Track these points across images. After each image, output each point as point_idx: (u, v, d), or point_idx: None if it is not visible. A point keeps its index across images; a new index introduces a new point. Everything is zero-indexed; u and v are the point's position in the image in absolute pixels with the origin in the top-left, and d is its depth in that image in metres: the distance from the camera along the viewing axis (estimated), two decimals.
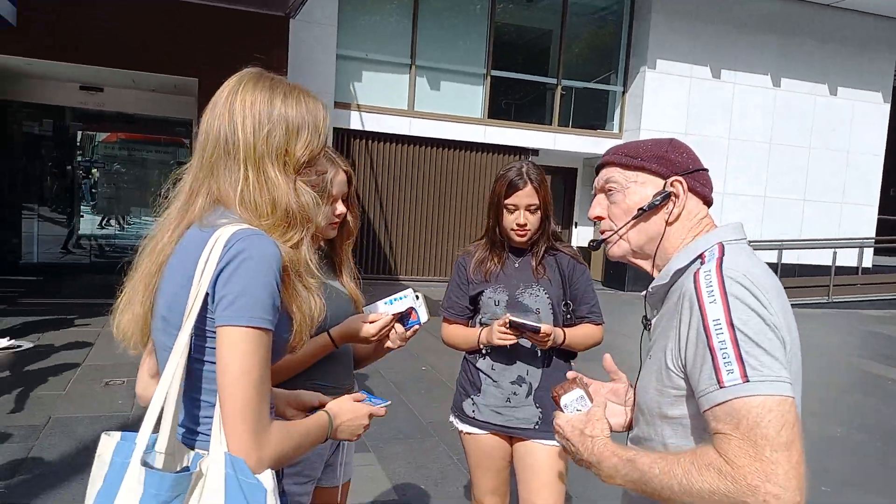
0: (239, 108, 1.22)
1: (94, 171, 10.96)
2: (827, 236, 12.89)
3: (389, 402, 1.53)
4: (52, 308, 7.52)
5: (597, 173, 1.43)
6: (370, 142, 10.91)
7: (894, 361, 8.18)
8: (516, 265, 2.36)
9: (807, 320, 10.38)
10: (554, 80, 12.15)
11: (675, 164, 1.32)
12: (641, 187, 1.33)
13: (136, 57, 7.80)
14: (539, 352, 2.29)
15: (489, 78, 11.57)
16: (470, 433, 2.39)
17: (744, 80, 12.39)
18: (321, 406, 1.44)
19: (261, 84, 1.25)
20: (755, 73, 12.43)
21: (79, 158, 10.61)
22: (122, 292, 1.30)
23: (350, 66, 10.66)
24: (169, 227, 1.27)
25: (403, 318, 1.79)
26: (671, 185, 1.31)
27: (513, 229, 2.28)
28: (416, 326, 1.80)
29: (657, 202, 1.30)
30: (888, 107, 13.37)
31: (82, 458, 3.84)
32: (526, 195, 2.24)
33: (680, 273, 1.27)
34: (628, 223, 1.34)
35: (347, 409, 1.39)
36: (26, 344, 6.06)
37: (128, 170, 10.99)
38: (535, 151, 11.81)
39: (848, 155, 13.17)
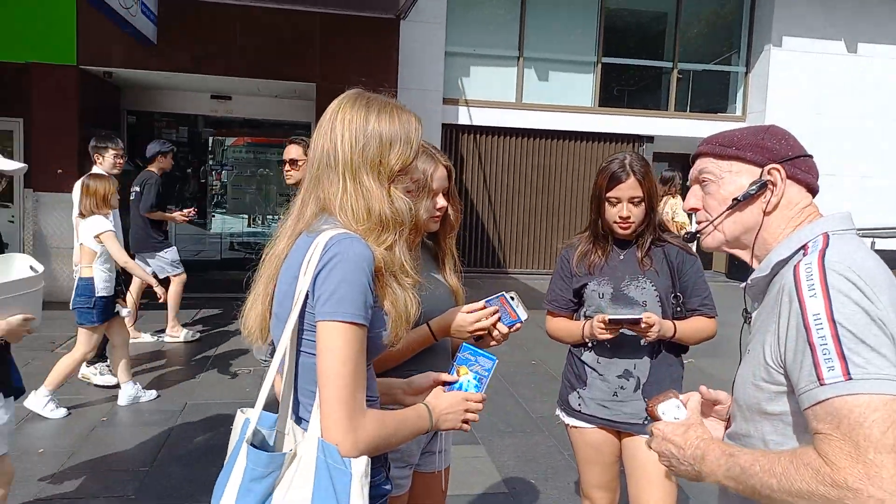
0: (339, 126, 1.36)
1: (222, 173, 11.76)
2: None
3: (496, 360, 1.56)
4: (187, 302, 8.19)
5: (691, 164, 1.40)
6: (478, 136, 10.97)
7: None
8: (621, 257, 2.33)
9: None
10: (670, 64, 11.65)
11: (772, 151, 1.27)
12: (737, 177, 1.30)
13: (261, 66, 8.31)
14: (646, 345, 2.25)
15: (600, 65, 11.28)
16: (576, 427, 2.39)
17: (885, 52, 11.28)
18: (435, 384, 1.55)
19: (357, 103, 1.38)
20: None
21: (210, 162, 11.44)
22: (248, 296, 1.47)
23: (458, 61, 10.77)
24: (284, 235, 1.43)
25: (504, 317, 1.80)
26: (768, 173, 1.26)
27: (615, 222, 2.26)
28: (518, 325, 1.81)
29: (752, 192, 1.27)
30: None
31: (215, 440, 4.19)
32: (628, 187, 2.21)
33: (781, 265, 1.23)
34: (723, 214, 1.31)
35: (443, 399, 1.47)
36: (163, 337, 6.55)
37: (253, 171, 11.72)
38: (650, 138, 11.40)
39: None
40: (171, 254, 6.61)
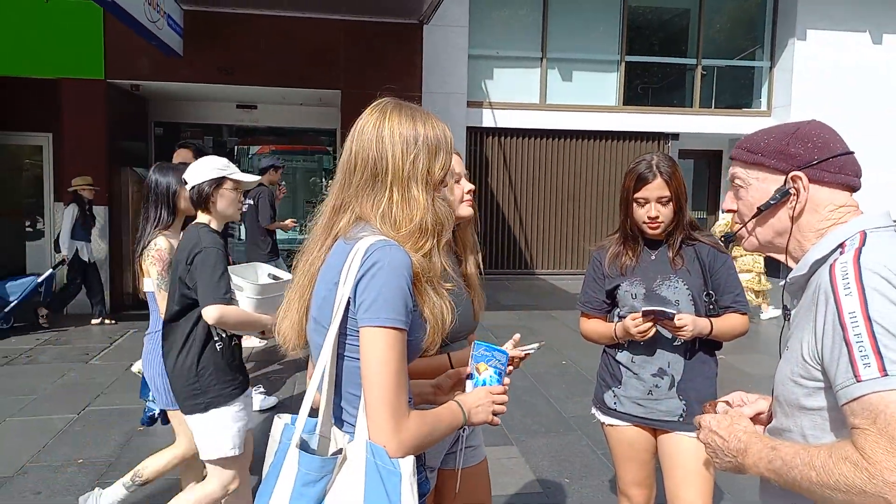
0: (388, 136, 1.36)
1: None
2: None
3: (507, 352, 1.57)
4: None
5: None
6: (503, 138, 10.98)
7: None
8: (652, 257, 2.33)
9: None
10: (693, 61, 11.56)
11: (795, 157, 1.28)
12: (763, 184, 1.32)
13: (286, 75, 8.42)
14: (680, 343, 2.25)
15: (623, 64, 11.23)
16: (612, 425, 2.39)
17: None
18: (459, 382, 1.60)
19: (404, 113, 1.39)
20: None
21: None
22: (282, 304, 1.49)
23: (481, 64, 10.80)
24: (317, 243, 1.44)
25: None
26: (792, 180, 1.27)
27: (644, 223, 2.26)
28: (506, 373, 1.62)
29: (773, 202, 1.29)
30: None
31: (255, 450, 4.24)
32: (656, 188, 2.21)
33: (819, 263, 1.24)
34: (752, 219, 1.34)
35: (472, 395, 1.49)
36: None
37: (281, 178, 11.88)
38: (675, 136, 11.31)
39: None
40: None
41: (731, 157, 1.40)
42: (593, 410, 2.50)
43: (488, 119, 10.72)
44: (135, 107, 9.31)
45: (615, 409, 2.36)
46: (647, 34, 11.89)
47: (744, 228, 1.36)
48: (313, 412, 1.34)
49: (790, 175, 1.27)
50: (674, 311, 2.12)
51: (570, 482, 3.79)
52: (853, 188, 1.29)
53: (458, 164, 1.91)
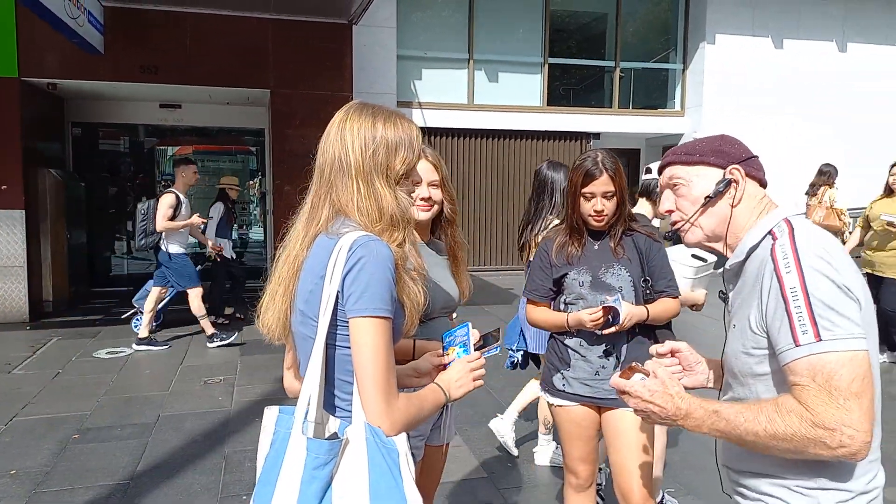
0: (349, 134, 1.48)
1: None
2: None
3: (468, 324, 1.66)
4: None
5: (659, 174, 1.61)
6: (433, 137, 11.14)
7: None
8: (596, 247, 2.51)
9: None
10: (612, 63, 12.08)
11: (730, 154, 1.48)
12: (704, 179, 1.49)
13: (213, 74, 8.25)
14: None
15: (546, 66, 11.61)
16: (561, 405, 2.56)
17: (808, 48, 12.00)
18: (438, 367, 1.67)
19: (364, 113, 1.51)
20: (820, 40, 12.02)
21: (158, 173, 11.18)
22: (264, 296, 1.57)
23: (410, 65, 10.92)
24: (298, 237, 1.52)
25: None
26: (730, 172, 1.47)
27: (590, 215, 2.44)
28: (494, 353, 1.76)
29: (721, 189, 1.47)
30: None
31: (193, 450, 4.20)
32: (602, 183, 2.39)
33: (753, 249, 1.42)
34: (698, 211, 1.50)
35: (449, 372, 1.59)
36: (127, 350, 6.56)
37: (203, 180, 11.49)
38: (597, 135, 11.79)
39: None
40: None
41: (668, 162, 1.56)
42: (542, 393, 2.67)
43: (418, 119, 10.85)
44: (51, 106, 8.89)
45: (564, 391, 2.53)
46: (568, 37, 12.34)
47: (687, 223, 1.52)
48: (292, 401, 1.42)
49: (729, 168, 1.47)
50: (617, 322, 2.31)
51: (512, 465, 3.98)
52: (765, 184, 1.51)
53: (425, 171, 2.03)
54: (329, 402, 1.45)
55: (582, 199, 2.44)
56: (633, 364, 1.52)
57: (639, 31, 12.59)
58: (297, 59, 8.48)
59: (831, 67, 12.16)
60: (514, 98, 11.53)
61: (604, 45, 12.43)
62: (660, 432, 3.21)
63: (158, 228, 6.45)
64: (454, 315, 2.30)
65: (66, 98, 9.21)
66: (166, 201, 6.49)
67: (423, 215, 2.11)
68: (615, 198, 2.43)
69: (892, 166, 5.88)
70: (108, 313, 8.34)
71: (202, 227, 6.96)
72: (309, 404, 1.40)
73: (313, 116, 8.20)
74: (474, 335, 1.75)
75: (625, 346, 2.47)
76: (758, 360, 1.37)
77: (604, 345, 2.47)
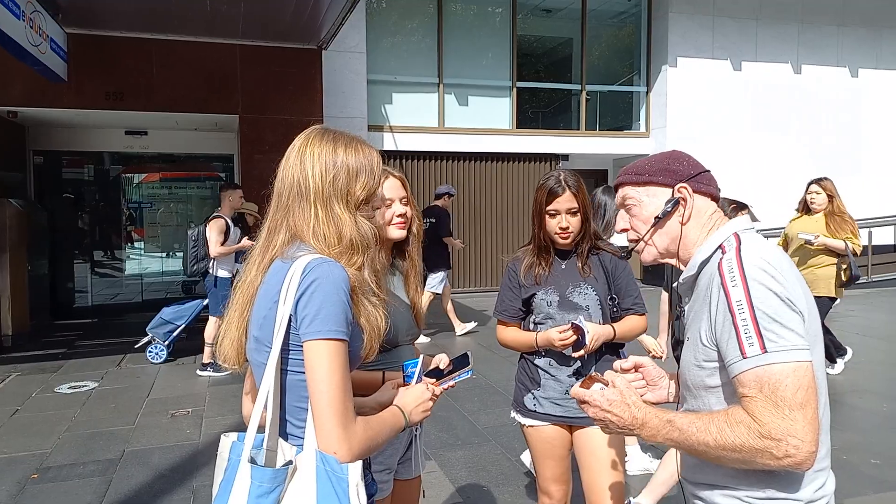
0: (309, 159, 1.46)
1: (130, 213, 11.28)
2: (861, 217, 12.71)
3: (420, 357, 1.68)
4: (110, 348, 7.83)
5: (615, 193, 1.63)
6: (404, 161, 11.17)
7: None
8: (563, 266, 2.53)
9: (849, 301, 10.28)
10: (578, 86, 12.30)
11: (677, 173, 1.51)
12: (654, 198, 1.52)
13: (180, 100, 8.19)
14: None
15: (515, 89, 11.77)
16: (532, 426, 2.55)
17: (765, 70, 12.38)
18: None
19: (325, 138, 1.50)
20: (776, 62, 12.43)
21: (124, 201, 11.00)
22: (223, 323, 1.54)
23: (380, 89, 10.98)
24: (254, 263, 1.51)
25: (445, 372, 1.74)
26: (678, 191, 1.49)
27: (556, 233, 2.45)
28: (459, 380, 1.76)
29: (668, 209, 1.49)
30: None
31: (160, 486, 4.07)
32: (565, 200, 2.42)
33: (704, 263, 1.45)
34: (649, 230, 1.53)
35: (410, 396, 1.58)
36: (91, 384, 6.37)
37: (170, 207, 11.35)
38: (565, 157, 11.95)
39: (872, 136, 13.07)
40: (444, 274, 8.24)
41: (620, 183, 1.59)
42: (513, 414, 2.65)
43: (389, 143, 10.89)
44: (11, 135, 8.72)
45: (535, 411, 2.52)
46: (535, 62, 12.55)
47: (641, 241, 1.56)
48: (259, 428, 1.38)
49: (677, 187, 1.49)
50: (586, 331, 2.31)
51: (488, 489, 3.93)
52: (717, 199, 1.53)
53: (391, 190, 2.02)
54: (283, 429, 1.41)
55: (547, 216, 2.46)
56: (593, 374, 1.54)
57: (603, 55, 12.85)
58: (265, 84, 8.47)
59: (788, 86, 12.56)
60: (484, 121, 11.65)
61: (570, 68, 12.66)
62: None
63: (214, 254, 6.42)
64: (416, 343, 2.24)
65: (27, 126, 9.06)
66: (217, 226, 6.46)
67: (400, 233, 2.08)
68: (579, 214, 2.45)
69: (809, 184, 5.81)
70: (71, 346, 8.12)
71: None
72: (267, 431, 1.37)
73: (283, 141, 7.95)
74: (444, 360, 1.73)
75: (593, 365, 2.47)
76: (709, 372, 1.38)
77: (574, 364, 2.46)
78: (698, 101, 12.03)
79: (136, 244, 11.13)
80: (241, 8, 7.32)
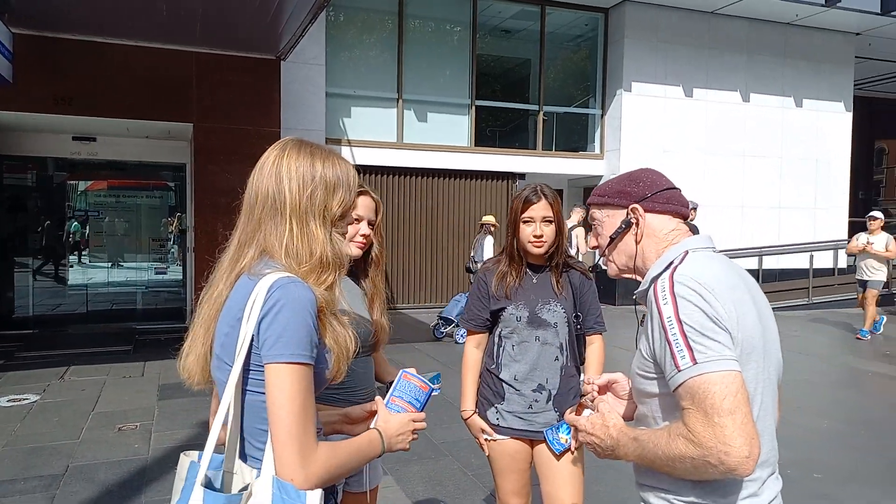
0: (285, 172, 1.39)
1: (75, 223, 10.91)
2: (803, 241, 13.29)
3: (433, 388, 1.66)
4: (53, 360, 7.53)
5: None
6: (361, 175, 11.03)
7: (872, 356, 8.50)
8: (534, 280, 2.54)
9: (790, 322, 10.69)
10: (536, 107, 12.51)
11: (631, 195, 1.58)
12: (612, 219, 1.61)
13: (132, 106, 7.99)
14: (558, 361, 2.49)
15: (474, 107, 11.90)
16: (494, 440, 2.55)
17: (715, 97, 12.85)
18: (372, 415, 1.60)
19: (303, 151, 1.43)
20: (725, 90, 12.91)
21: (69, 209, 10.63)
22: (187, 337, 1.48)
23: (339, 102, 10.95)
24: (222, 276, 1.44)
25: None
26: (630, 212, 1.57)
27: (530, 241, 2.47)
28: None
29: (620, 229, 1.59)
30: (850, 115, 13.95)
31: (106, 502, 3.91)
32: (541, 208, 2.46)
33: (656, 279, 1.50)
34: (607, 248, 1.63)
35: (394, 422, 1.53)
36: (32, 397, 6.11)
37: (118, 216, 11.02)
38: (522, 175, 12.11)
39: (817, 163, 13.70)
40: None
41: (589, 203, 1.69)
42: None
43: (347, 157, 10.81)
44: None
45: (498, 425, 2.52)
46: (494, 81, 12.73)
47: (604, 258, 1.64)
48: (219, 448, 1.33)
49: (629, 208, 1.56)
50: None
51: (446, 503, 3.92)
52: (683, 216, 1.59)
53: (364, 209, 2.01)
54: (243, 451, 1.36)
55: (522, 224, 2.48)
56: (582, 401, 1.61)
57: (560, 77, 13.13)
58: (222, 93, 8.35)
59: (737, 113, 13.05)
60: (443, 138, 11.72)
61: (528, 89, 12.87)
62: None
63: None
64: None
65: None
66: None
67: (357, 252, 2.08)
68: (553, 225, 2.48)
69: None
70: (11, 357, 7.76)
71: None
72: (226, 453, 1.32)
73: (239, 152, 8.05)
74: (417, 383, 1.67)
75: (558, 381, 2.50)
76: (648, 382, 1.45)
77: (537, 379, 2.49)
78: (651, 124, 12.38)
79: (81, 254, 10.75)
80: (198, 13, 7.21)
